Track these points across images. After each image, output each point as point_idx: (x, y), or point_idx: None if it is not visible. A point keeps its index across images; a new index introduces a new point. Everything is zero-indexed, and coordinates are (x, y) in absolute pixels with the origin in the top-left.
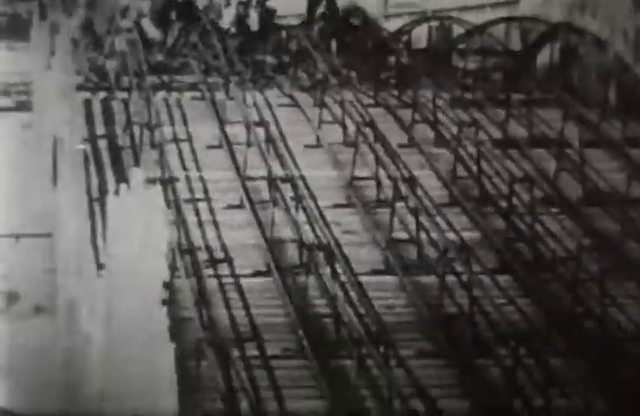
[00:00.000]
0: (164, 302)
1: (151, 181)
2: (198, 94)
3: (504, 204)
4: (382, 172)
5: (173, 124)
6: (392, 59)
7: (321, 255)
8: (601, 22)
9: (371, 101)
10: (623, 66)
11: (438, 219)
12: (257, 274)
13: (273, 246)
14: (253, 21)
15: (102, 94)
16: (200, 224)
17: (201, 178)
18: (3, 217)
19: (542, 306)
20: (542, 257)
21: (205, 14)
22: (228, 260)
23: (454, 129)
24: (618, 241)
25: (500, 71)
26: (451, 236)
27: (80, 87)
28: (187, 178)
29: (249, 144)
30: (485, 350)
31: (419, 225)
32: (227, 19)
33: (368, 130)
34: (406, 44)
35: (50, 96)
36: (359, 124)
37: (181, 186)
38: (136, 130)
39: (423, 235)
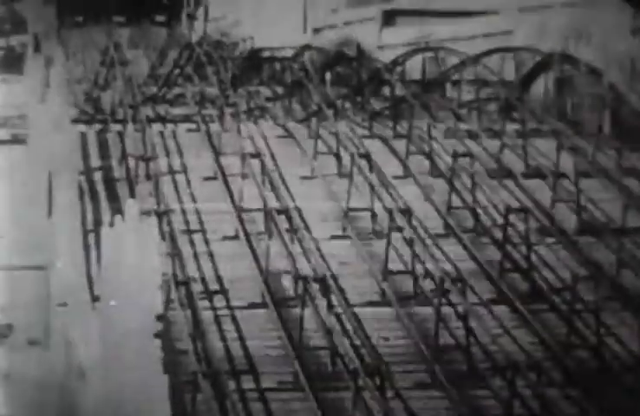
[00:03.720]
0: (157, 335)
1: (146, 213)
2: (193, 125)
3: (499, 234)
4: (377, 203)
5: (168, 156)
6: (386, 90)
7: (316, 286)
8: (595, 52)
9: (366, 132)
10: (617, 95)
11: (433, 250)
12: (252, 306)
13: (269, 278)
14: None
15: (97, 127)
16: (195, 255)
17: (196, 210)
18: None
19: (538, 336)
20: (538, 288)
21: (199, 45)
22: (223, 292)
23: (449, 160)
24: (614, 271)
25: (495, 101)
26: (447, 266)
27: (75, 120)
28: (183, 210)
29: (244, 175)
30: (481, 381)
31: (414, 256)
32: None
33: (363, 161)
34: (400, 75)
35: (45, 129)
36: (354, 155)
37: (176, 218)
38: (131, 162)
39: (419, 266)
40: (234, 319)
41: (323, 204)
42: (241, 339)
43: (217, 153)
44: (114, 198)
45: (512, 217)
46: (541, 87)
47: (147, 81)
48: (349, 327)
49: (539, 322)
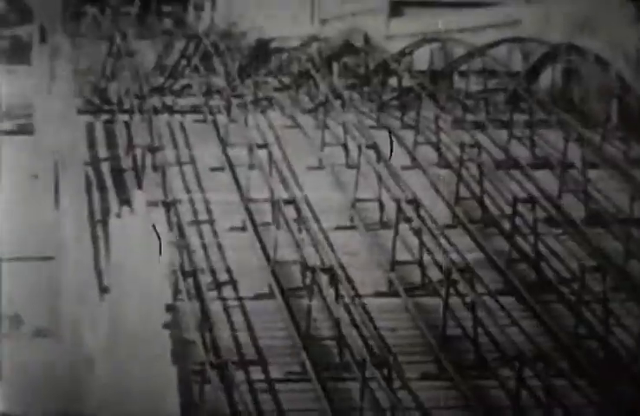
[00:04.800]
0: (166, 326)
1: (153, 204)
2: (200, 116)
3: (507, 225)
4: (384, 194)
5: (175, 146)
6: (394, 80)
7: (324, 277)
8: (602, 42)
9: (373, 123)
10: (624, 85)
11: (441, 241)
12: (260, 296)
13: (276, 268)
14: None
15: (104, 117)
16: (203, 246)
17: (204, 201)
18: (5, 241)
19: (546, 327)
20: (545, 278)
21: (206, 35)
22: (231, 282)
23: (457, 150)
24: (622, 261)
25: (502, 92)
26: (454, 257)
27: (82, 110)
28: (190, 201)
29: (251, 166)
30: (489, 371)
31: (422, 247)
32: None
33: (370, 152)
34: (407, 66)
35: (52, 119)
36: (361, 146)
37: (184, 209)
38: (138, 152)
39: (426, 256)
40: (242, 310)
41: (330, 195)
42: (249, 329)
43: (224, 144)
44: (121, 188)
45: (519, 208)
46: (548, 77)
47: (154, 71)
48: (356, 317)
49: (547, 313)
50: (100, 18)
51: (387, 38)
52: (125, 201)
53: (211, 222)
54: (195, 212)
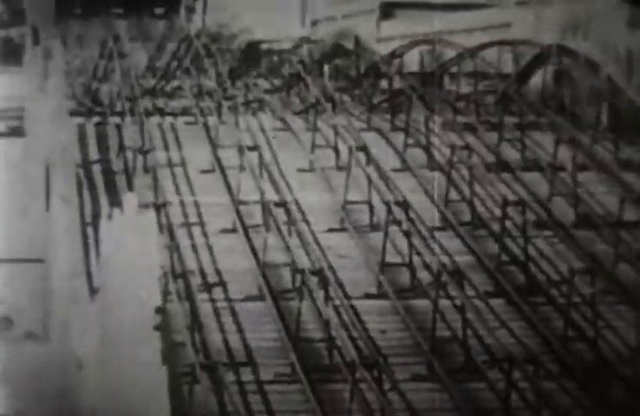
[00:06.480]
0: (156, 328)
1: (144, 206)
2: (191, 118)
3: (497, 227)
4: (374, 196)
5: (166, 148)
6: (384, 83)
7: (314, 279)
8: (593, 45)
9: (364, 125)
10: (615, 88)
11: (431, 243)
12: (250, 298)
13: (266, 270)
14: None
15: (96, 119)
16: (194, 248)
17: (194, 203)
18: None
19: (535, 329)
20: (535, 281)
21: (197, 37)
22: (221, 284)
23: (447, 153)
24: (611, 264)
25: (493, 94)
26: (444, 259)
27: (73, 112)
28: (181, 203)
29: (242, 168)
30: (478, 373)
31: (412, 249)
32: None
33: (360, 154)
34: (398, 68)
35: (43, 121)
36: (352, 148)
37: (174, 211)
38: (129, 154)
39: (416, 258)
40: (232, 311)
41: (320, 197)
42: (239, 331)
43: (215, 146)
44: (112, 190)
45: (509, 210)
46: (539, 79)
47: (146, 73)
48: (346, 319)
49: (536, 315)
50: (92, 20)
51: (377, 40)
52: (116, 203)
53: (201, 224)
54: (186, 214)
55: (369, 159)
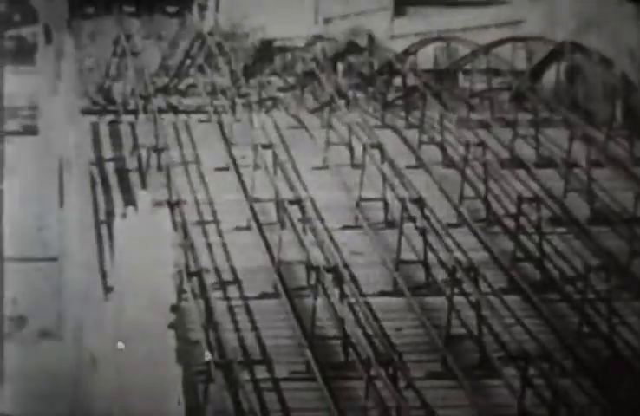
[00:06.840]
0: (171, 326)
1: (158, 204)
2: (205, 116)
3: (511, 224)
4: (389, 193)
5: (180, 146)
6: (398, 80)
7: (329, 276)
8: (606, 41)
9: (378, 123)
10: (628, 84)
11: (446, 240)
12: (265, 296)
13: (281, 268)
14: None
15: (109, 117)
16: (208, 246)
17: (209, 201)
18: (9, 241)
19: (550, 326)
20: (550, 277)
21: (210, 35)
22: (236, 282)
23: (462, 149)
24: (626, 260)
25: (507, 91)
26: (459, 256)
27: (86, 111)
28: (195, 201)
29: (256, 166)
30: (493, 371)
31: (427, 246)
32: None
33: (375, 151)
34: (412, 65)
35: (57, 120)
36: (366, 145)
37: (189, 209)
38: (143, 153)
39: (431, 256)
40: (247, 309)
41: (335, 195)
42: (254, 329)
43: (229, 144)
44: (126, 189)
45: (524, 207)
46: (553, 76)
47: (159, 71)
48: (361, 316)
49: (551, 312)
50: (105, 18)
51: (391, 37)
52: (130, 201)
53: (216, 222)
54: (200, 212)
55: (384, 157)
